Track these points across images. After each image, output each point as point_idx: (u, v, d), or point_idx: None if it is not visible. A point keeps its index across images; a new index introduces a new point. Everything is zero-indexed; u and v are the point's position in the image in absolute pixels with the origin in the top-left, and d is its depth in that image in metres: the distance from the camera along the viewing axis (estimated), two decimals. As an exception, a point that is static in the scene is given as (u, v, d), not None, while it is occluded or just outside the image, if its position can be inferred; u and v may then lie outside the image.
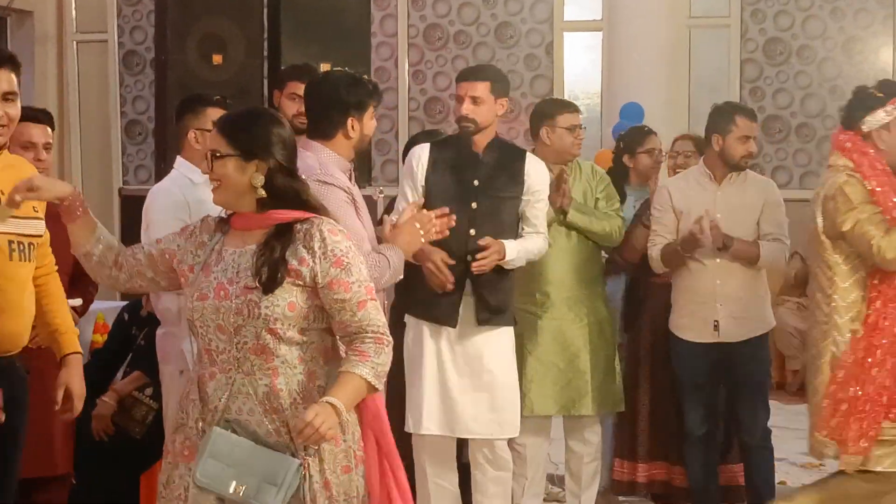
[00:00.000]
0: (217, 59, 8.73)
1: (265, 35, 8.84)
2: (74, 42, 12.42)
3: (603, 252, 6.66)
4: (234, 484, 3.67)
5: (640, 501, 6.91)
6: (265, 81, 8.79)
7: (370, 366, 3.70)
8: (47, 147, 5.19)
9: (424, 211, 5.06)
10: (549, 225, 6.38)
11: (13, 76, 4.26)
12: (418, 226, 4.97)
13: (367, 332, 3.74)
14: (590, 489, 6.55)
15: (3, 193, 4.21)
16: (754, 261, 6.10)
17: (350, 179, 4.94)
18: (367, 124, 4.90)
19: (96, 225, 3.95)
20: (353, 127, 4.85)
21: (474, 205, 5.49)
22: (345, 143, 4.89)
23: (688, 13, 10.97)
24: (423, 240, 5.00)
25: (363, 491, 3.82)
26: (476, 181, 5.65)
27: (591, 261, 6.52)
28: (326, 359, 3.81)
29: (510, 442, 6.48)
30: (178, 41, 8.75)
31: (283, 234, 3.74)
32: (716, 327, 6.07)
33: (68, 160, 12.29)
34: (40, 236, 4.45)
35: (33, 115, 5.23)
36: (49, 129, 5.27)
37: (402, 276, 4.99)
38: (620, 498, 6.98)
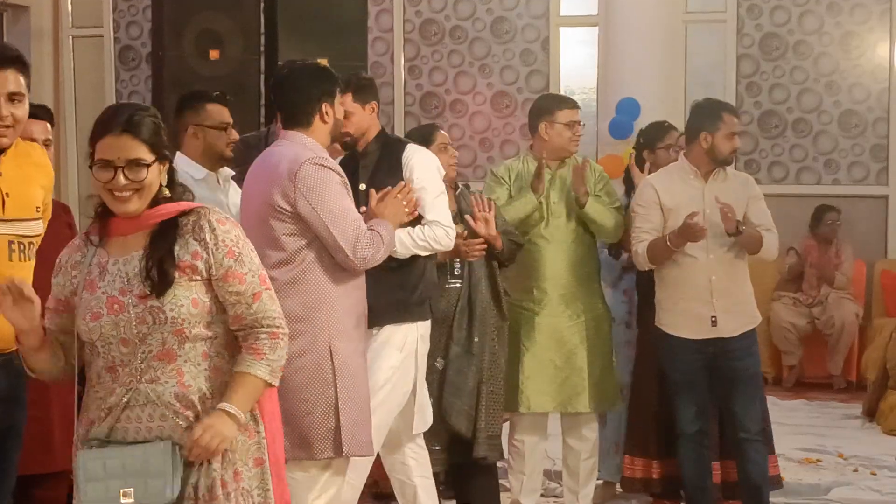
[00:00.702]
0: (214, 54, 8.73)
1: (262, 30, 8.84)
2: (70, 37, 12.40)
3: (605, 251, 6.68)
4: (120, 493, 3.53)
5: (638, 497, 6.89)
6: (262, 77, 8.79)
7: (265, 364, 3.64)
8: (47, 143, 5.16)
9: (400, 182, 5.18)
10: (541, 222, 6.39)
11: (20, 77, 4.22)
12: (400, 197, 5.08)
13: (262, 327, 3.66)
14: (587, 485, 6.55)
15: (8, 195, 4.24)
16: (758, 247, 6.09)
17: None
18: (338, 110, 5.03)
19: (50, 342, 3.72)
20: (327, 113, 4.97)
21: (363, 208, 5.35)
22: (322, 129, 5.00)
23: (684, 8, 10.95)
24: (406, 210, 5.12)
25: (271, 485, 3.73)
26: (361, 185, 5.48)
27: (588, 257, 6.52)
28: (231, 352, 3.69)
29: (509, 438, 6.49)
30: (174, 36, 8.75)
31: (167, 231, 3.61)
32: (713, 323, 6.05)
33: (64, 155, 12.26)
34: (39, 235, 4.44)
35: (33, 112, 5.20)
36: (49, 126, 5.26)
37: (394, 248, 5.07)
38: (620, 493, 6.97)
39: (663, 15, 10.06)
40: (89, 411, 3.68)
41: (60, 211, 5.12)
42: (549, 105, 6.56)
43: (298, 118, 4.98)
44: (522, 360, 6.34)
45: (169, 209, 3.63)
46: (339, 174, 4.87)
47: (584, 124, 6.61)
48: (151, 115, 3.61)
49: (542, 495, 6.73)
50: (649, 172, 6.69)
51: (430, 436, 5.71)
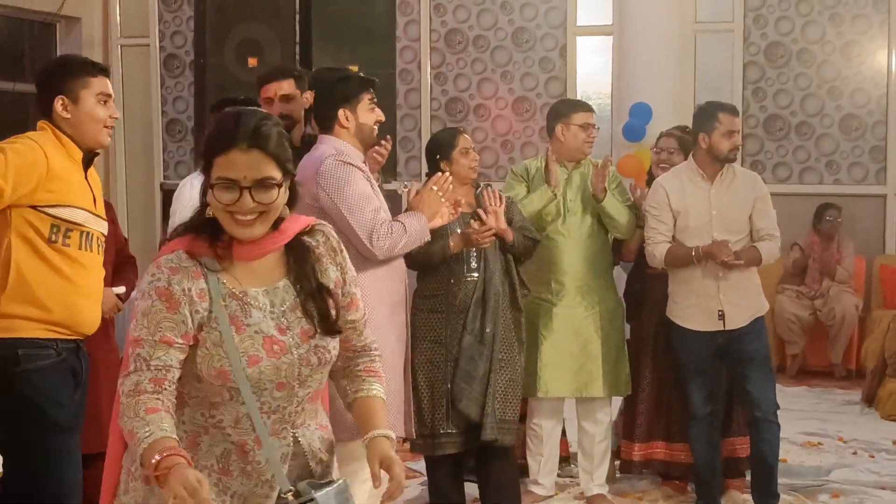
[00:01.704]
0: (252, 61, 8.74)
1: (297, 39, 8.84)
2: (119, 46, 12.42)
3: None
4: None
5: (643, 476, 6.86)
6: (297, 83, 8.79)
7: (383, 385, 3.21)
8: None
9: (438, 173, 5.18)
10: (559, 219, 6.37)
11: (108, 81, 4.56)
12: (436, 189, 5.06)
13: (373, 349, 3.23)
14: (601, 466, 6.54)
15: (96, 197, 4.52)
16: (759, 262, 6.06)
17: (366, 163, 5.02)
18: (361, 115, 4.96)
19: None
20: (346, 118, 4.94)
21: None
22: (345, 134, 4.97)
23: (694, 18, 10.89)
24: (443, 200, 5.09)
25: None
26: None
27: (603, 252, 6.50)
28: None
29: (528, 421, 6.47)
30: (215, 45, 8.77)
31: (302, 255, 3.01)
32: (721, 317, 6.02)
33: (113, 157, 12.32)
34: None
35: None
36: None
37: (427, 239, 5.05)
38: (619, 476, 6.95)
39: (674, 25, 10.01)
40: (200, 458, 2.94)
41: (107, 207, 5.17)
42: (564, 109, 6.55)
43: (324, 123, 5.00)
44: (540, 349, 6.33)
45: (293, 227, 3.00)
46: (360, 169, 4.85)
47: (598, 127, 6.59)
48: (276, 124, 2.93)
49: (558, 475, 6.71)
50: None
51: (446, 420, 5.71)
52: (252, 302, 2.92)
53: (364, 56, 8.92)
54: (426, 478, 6.21)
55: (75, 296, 4.38)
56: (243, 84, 8.42)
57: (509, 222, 5.91)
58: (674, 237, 6.09)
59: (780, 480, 6.37)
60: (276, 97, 6.07)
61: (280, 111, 5.84)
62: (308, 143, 5.46)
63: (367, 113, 4.98)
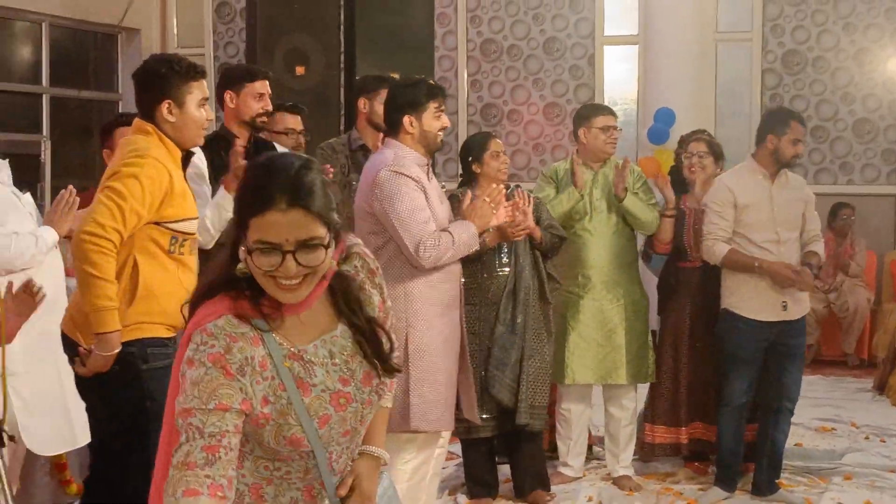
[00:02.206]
0: (300, 70, 8.83)
1: (341, 49, 8.90)
2: (176, 56, 12.52)
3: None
4: None
5: (666, 459, 6.86)
6: (342, 89, 8.86)
7: (392, 393, 2.90)
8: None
9: (494, 185, 5.16)
10: (586, 217, 6.40)
11: (205, 84, 4.50)
12: (488, 200, 5.05)
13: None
14: (627, 449, 6.56)
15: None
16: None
17: (427, 173, 5.00)
18: (426, 122, 4.95)
19: None
20: (411, 124, 4.93)
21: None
22: (409, 140, 4.96)
23: (715, 28, 10.88)
24: (495, 212, 5.07)
25: None
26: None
27: (628, 248, 6.53)
28: None
29: (557, 407, 6.51)
30: (265, 54, 8.86)
31: (346, 292, 2.58)
32: (784, 307, 6.02)
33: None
34: None
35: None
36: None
37: (475, 248, 5.04)
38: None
39: (696, 34, 10.01)
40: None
41: None
42: (587, 113, 6.58)
43: (391, 127, 5.01)
44: (568, 338, 6.36)
45: (330, 262, 2.50)
46: (414, 180, 4.83)
47: (620, 129, 6.59)
48: (317, 172, 2.44)
49: (586, 458, 6.73)
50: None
51: (480, 406, 5.71)
52: (313, 359, 2.51)
53: (404, 64, 9.01)
54: (462, 459, 6.25)
55: (185, 295, 4.43)
56: (291, 91, 8.51)
57: (537, 221, 5.95)
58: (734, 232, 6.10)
59: (794, 463, 6.36)
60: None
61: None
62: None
63: (433, 120, 4.96)
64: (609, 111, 6.60)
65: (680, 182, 6.66)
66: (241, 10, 11.65)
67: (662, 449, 6.66)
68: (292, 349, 2.49)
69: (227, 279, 2.48)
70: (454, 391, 5.07)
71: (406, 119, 4.92)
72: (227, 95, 5.25)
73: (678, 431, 6.60)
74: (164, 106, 4.32)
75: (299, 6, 9.02)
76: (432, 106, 4.96)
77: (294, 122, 5.65)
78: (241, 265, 2.44)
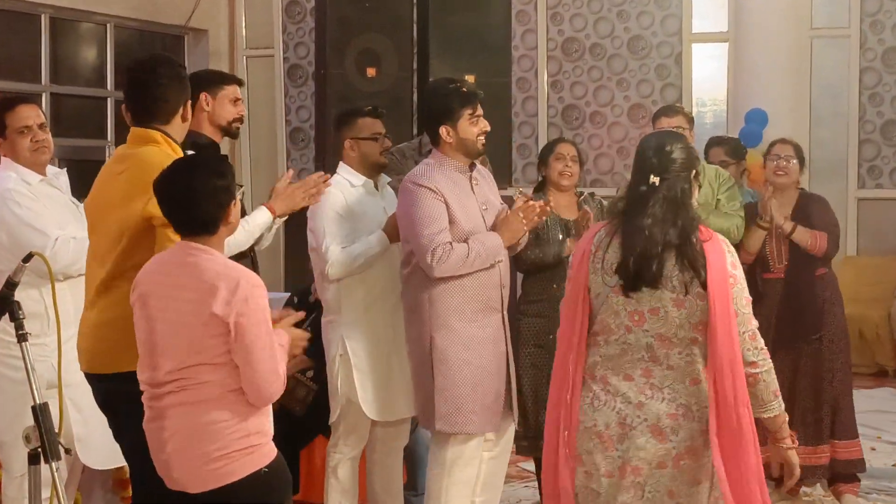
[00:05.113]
0: (371, 71, 8.93)
1: (415, 49, 8.99)
2: (244, 57, 12.72)
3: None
4: None
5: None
6: (415, 92, 8.94)
7: None
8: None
9: (531, 202, 5.26)
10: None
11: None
12: (521, 215, 5.19)
13: None
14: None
15: None
16: None
17: (470, 181, 5.20)
18: (462, 129, 5.12)
19: None
20: (448, 134, 5.12)
21: None
22: (448, 149, 5.17)
23: (810, 24, 10.86)
24: (525, 228, 5.22)
25: None
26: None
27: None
28: None
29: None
30: (336, 56, 8.97)
31: None
32: None
33: (239, 163, 12.57)
34: None
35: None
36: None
37: (500, 259, 5.18)
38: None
39: (790, 30, 10.02)
40: None
41: None
42: (655, 115, 6.64)
43: (431, 139, 5.24)
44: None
45: None
46: (433, 191, 5.04)
47: (686, 129, 6.51)
48: None
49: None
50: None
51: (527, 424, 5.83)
52: None
53: (481, 65, 9.07)
54: (536, 479, 6.32)
55: None
56: (362, 93, 8.63)
57: None
58: None
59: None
60: None
61: None
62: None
63: (469, 127, 5.12)
64: (671, 112, 6.52)
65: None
66: (311, 10, 11.81)
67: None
68: None
69: None
70: (486, 396, 5.19)
71: (442, 129, 5.11)
72: (203, 97, 5.34)
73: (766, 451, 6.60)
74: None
75: (371, 5, 9.13)
76: (466, 112, 5.12)
77: (379, 126, 5.76)
78: None
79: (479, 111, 5.16)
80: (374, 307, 5.50)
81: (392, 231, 5.35)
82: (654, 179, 3.85)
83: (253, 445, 3.79)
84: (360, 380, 5.45)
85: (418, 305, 5.11)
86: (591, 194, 6.15)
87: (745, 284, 3.94)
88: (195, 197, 3.77)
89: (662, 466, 3.83)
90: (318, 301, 5.79)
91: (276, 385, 3.78)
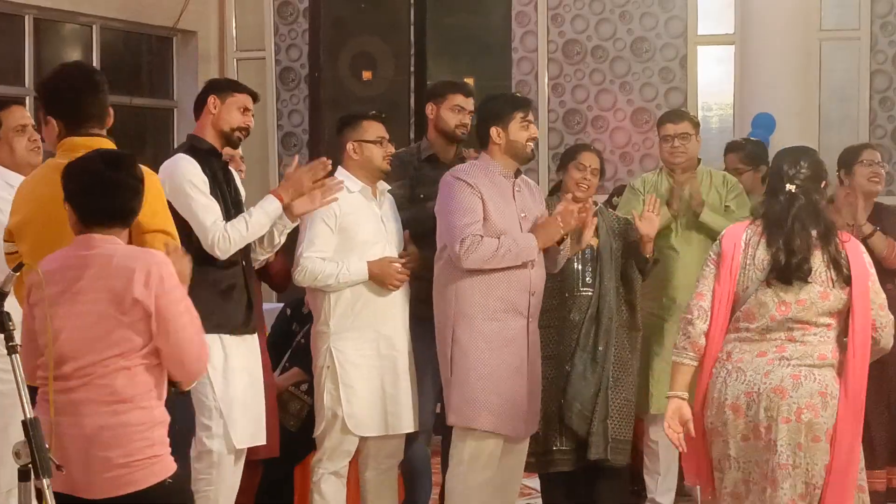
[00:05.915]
0: (367, 75, 8.87)
1: (412, 52, 8.94)
2: (235, 59, 12.66)
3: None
4: None
5: None
6: (412, 96, 8.89)
7: None
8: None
9: (565, 203, 5.55)
10: (671, 234, 6.40)
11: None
12: (560, 220, 5.44)
13: None
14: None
15: None
16: None
17: (513, 186, 5.51)
18: (513, 132, 5.43)
19: None
20: (498, 135, 5.42)
21: None
22: (496, 151, 5.46)
23: (819, 26, 10.81)
24: (562, 231, 5.45)
25: None
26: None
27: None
28: None
29: (644, 439, 6.48)
30: (330, 58, 8.92)
31: None
32: None
33: (229, 170, 12.52)
34: None
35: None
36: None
37: (531, 258, 5.39)
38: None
39: (798, 33, 9.97)
40: None
41: None
42: (658, 121, 6.66)
43: (481, 140, 5.53)
44: (652, 365, 6.36)
45: None
46: (471, 185, 5.30)
47: (688, 135, 6.49)
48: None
49: (676, 493, 6.71)
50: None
51: (559, 436, 5.83)
52: None
53: (480, 68, 9.01)
54: (541, 498, 6.27)
55: None
56: (357, 98, 8.57)
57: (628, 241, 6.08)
58: None
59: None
60: None
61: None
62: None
63: (520, 130, 5.43)
64: (673, 117, 6.59)
65: None
66: (304, 11, 11.76)
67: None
68: None
69: None
70: (502, 396, 5.34)
71: (493, 130, 5.41)
72: (211, 100, 5.34)
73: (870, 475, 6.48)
74: None
75: (367, 6, 9.08)
76: (518, 116, 5.43)
77: (383, 130, 5.78)
78: None
79: (531, 117, 5.47)
80: (364, 319, 5.50)
81: (378, 269, 5.48)
82: (791, 188, 4.55)
83: (157, 455, 3.78)
84: (345, 394, 5.46)
85: (445, 299, 5.34)
86: (595, 203, 6.12)
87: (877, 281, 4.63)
88: (118, 186, 3.84)
89: (787, 421, 4.43)
90: (311, 313, 5.76)
91: (202, 361, 3.89)
